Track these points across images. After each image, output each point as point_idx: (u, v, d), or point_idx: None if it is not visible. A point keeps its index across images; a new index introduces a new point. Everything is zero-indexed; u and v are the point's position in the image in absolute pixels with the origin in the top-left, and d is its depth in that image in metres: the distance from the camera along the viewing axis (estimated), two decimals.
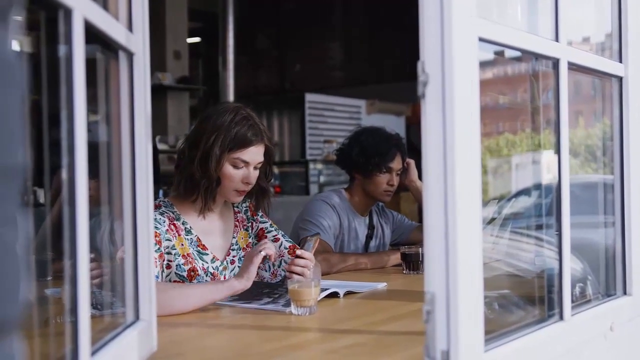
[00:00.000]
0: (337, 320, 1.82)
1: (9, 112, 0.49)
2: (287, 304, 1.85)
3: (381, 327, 1.70)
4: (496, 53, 1.40)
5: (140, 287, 1.32)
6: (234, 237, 2.26)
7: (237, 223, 2.29)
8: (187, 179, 2.12)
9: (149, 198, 1.35)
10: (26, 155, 0.54)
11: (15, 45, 0.52)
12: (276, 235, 2.31)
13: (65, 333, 1.02)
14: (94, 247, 1.06)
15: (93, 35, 1.07)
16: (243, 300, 1.95)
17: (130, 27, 1.30)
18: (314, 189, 7.02)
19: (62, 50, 0.98)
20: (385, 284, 2.30)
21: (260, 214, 2.34)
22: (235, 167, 2.11)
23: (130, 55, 1.29)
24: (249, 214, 2.33)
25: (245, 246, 2.28)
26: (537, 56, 1.49)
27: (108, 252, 1.51)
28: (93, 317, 1.04)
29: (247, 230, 2.31)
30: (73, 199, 0.96)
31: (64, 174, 0.96)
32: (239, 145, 2.09)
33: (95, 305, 1.27)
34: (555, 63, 1.45)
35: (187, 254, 2.11)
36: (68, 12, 0.95)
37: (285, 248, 2.28)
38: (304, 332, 1.68)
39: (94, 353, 1.05)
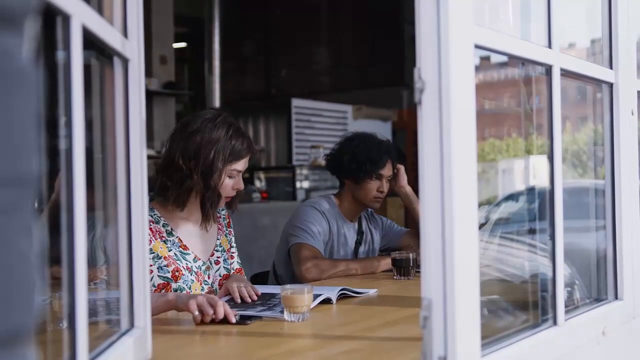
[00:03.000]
0: (331, 326, 1.82)
1: (25, 121, 0.48)
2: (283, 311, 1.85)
3: (375, 333, 1.70)
4: (482, 58, 1.41)
5: (135, 295, 1.32)
6: (217, 239, 2.34)
7: (219, 226, 2.37)
8: (185, 192, 2.18)
9: (144, 204, 1.34)
10: (41, 164, 0.54)
11: (30, 54, 0.52)
12: (234, 253, 2.42)
13: (60, 340, 1.01)
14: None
15: (89, 41, 1.06)
16: (238, 308, 1.94)
17: (125, 33, 1.29)
18: (300, 194, 7.01)
19: (59, 55, 0.97)
20: (375, 290, 2.30)
21: (231, 227, 2.45)
22: (231, 177, 2.21)
23: (125, 62, 1.29)
24: (225, 222, 2.42)
25: (227, 249, 2.37)
26: (531, 62, 1.50)
27: (100, 258, 1.50)
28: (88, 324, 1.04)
29: (226, 236, 2.39)
30: (71, 206, 0.96)
31: (62, 181, 0.95)
32: (237, 157, 2.20)
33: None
34: (549, 69, 1.46)
35: (168, 256, 2.15)
36: (66, 19, 0.95)
37: (233, 269, 2.38)
38: (298, 338, 1.68)
39: None
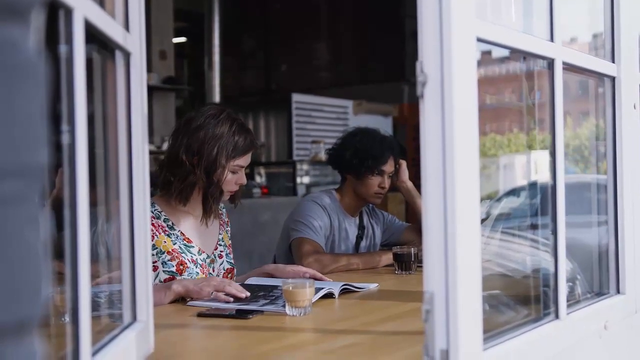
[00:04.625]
0: (332, 320, 1.82)
1: (34, 112, 0.48)
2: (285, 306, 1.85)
3: (377, 327, 1.70)
4: (483, 53, 1.40)
5: (138, 288, 1.32)
6: (220, 234, 2.36)
7: (221, 222, 2.39)
8: (188, 187, 2.19)
9: (146, 199, 1.34)
10: (48, 155, 0.54)
11: (36, 46, 0.52)
12: (230, 252, 2.43)
13: (62, 335, 1.01)
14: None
15: (90, 34, 1.06)
16: (241, 303, 1.94)
17: (127, 26, 1.29)
18: (301, 189, 7.01)
19: (61, 49, 0.97)
20: (377, 284, 2.30)
21: (229, 226, 2.48)
22: (234, 172, 2.22)
23: (127, 55, 1.28)
24: (226, 220, 2.44)
25: (228, 244, 2.39)
26: (533, 56, 1.49)
27: (102, 253, 1.50)
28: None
29: (226, 233, 2.42)
30: (74, 200, 0.96)
31: (65, 176, 0.95)
32: (240, 153, 2.21)
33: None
34: (551, 63, 1.46)
35: (172, 250, 2.16)
36: (69, 12, 0.94)
37: (224, 269, 2.37)
38: (299, 332, 1.68)
39: (93, 354, 1.04)
